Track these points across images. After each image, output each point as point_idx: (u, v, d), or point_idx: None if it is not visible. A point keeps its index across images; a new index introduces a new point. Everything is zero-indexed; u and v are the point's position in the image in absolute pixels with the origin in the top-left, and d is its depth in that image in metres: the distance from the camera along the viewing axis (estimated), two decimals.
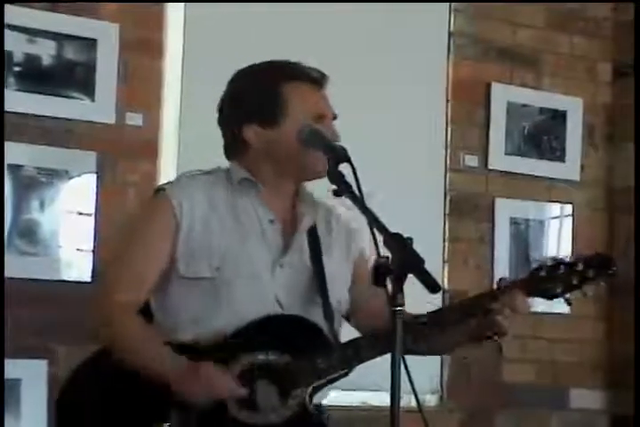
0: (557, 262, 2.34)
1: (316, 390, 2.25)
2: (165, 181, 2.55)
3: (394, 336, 1.85)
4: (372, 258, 2.00)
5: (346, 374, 2.27)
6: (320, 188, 2.38)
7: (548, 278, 2.32)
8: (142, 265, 2.29)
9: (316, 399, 2.27)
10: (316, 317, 2.31)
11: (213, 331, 2.24)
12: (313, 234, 2.38)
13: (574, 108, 4.33)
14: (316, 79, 2.39)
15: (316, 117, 2.34)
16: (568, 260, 2.35)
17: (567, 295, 2.35)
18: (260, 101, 2.34)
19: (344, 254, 2.45)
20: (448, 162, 4.09)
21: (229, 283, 2.26)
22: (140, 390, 2.20)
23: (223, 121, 2.42)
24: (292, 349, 2.22)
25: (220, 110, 2.42)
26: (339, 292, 2.39)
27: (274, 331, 2.24)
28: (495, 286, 2.36)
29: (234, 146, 2.40)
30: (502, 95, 4.19)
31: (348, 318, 2.47)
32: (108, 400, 2.23)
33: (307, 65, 2.40)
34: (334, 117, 2.40)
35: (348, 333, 2.41)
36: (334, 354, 2.24)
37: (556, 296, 2.34)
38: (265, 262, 2.31)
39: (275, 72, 2.39)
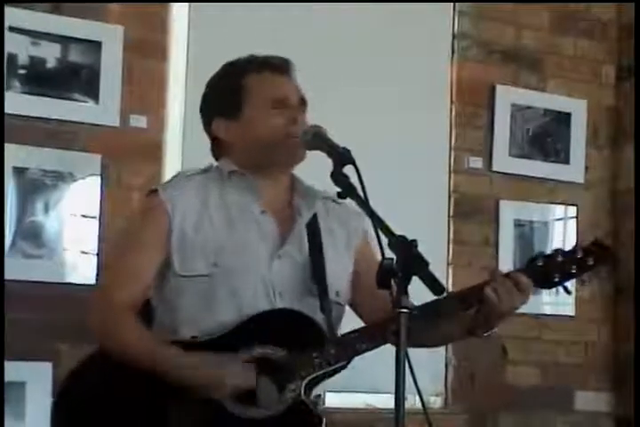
0: (555, 251, 2.33)
1: (313, 383, 2.24)
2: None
3: (398, 338, 1.85)
4: (377, 250, 1.99)
5: (343, 367, 2.25)
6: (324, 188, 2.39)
7: (545, 267, 2.31)
8: (137, 266, 2.29)
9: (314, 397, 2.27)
10: (314, 309, 2.30)
11: (212, 327, 2.24)
12: (313, 225, 2.38)
13: (578, 109, 4.33)
14: (276, 65, 2.39)
15: (276, 102, 2.34)
16: (566, 249, 2.33)
17: (566, 284, 2.33)
18: (222, 95, 2.39)
19: (344, 245, 2.43)
20: (452, 164, 4.09)
21: (227, 277, 2.26)
22: (136, 388, 2.20)
23: (202, 122, 2.46)
24: (289, 343, 2.22)
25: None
26: (338, 283, 2.37)
27: (271, 325, 2.24)
28: (489, 277, 2.33)
29: (214, 144, 2.44)
30: (506, 97, 4.18)
31: (352, 306, 2.46)
32: (106, 399, 2.22)
33: (271, 55, 2.41)
34: (303, 103, 2.40)
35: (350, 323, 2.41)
36: (331, 347, 2.23)
37: (555, 285, 2.32)
38: (262, 254, 2.30)
39: (237, 66, 2.42)
